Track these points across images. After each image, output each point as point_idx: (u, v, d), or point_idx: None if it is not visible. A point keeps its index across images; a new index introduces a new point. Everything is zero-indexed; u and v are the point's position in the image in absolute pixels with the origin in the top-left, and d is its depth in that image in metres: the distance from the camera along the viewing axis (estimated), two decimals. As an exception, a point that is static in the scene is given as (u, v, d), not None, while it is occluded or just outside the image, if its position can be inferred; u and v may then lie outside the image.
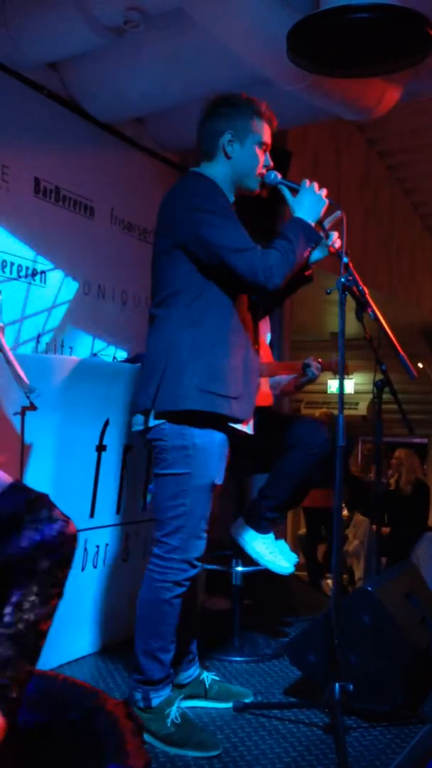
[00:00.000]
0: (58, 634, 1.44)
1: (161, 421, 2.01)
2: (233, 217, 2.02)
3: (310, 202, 2.08)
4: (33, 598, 1.23)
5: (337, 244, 2.17)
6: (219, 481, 2.06)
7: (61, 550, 1.27)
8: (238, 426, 2.09)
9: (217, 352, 2.02)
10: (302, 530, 7.39)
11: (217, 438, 2.04)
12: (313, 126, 5.43)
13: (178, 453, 2.00)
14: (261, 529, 2.63)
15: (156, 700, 2.02)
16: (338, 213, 2.15)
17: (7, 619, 1.20)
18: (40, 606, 1.24)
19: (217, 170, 2.13)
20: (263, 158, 2.15)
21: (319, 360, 3.14)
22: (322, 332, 9.00)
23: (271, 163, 2.17)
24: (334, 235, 2.17)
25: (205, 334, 2.02)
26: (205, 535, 2.05)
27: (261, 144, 2.13)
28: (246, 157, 2.11)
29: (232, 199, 2.16)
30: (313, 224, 2.09)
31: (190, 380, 1.98)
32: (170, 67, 3.24)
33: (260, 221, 2.12)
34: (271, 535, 2.66)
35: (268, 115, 2.14)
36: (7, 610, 1.21)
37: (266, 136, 2.14)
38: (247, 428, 2.14)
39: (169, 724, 1.98)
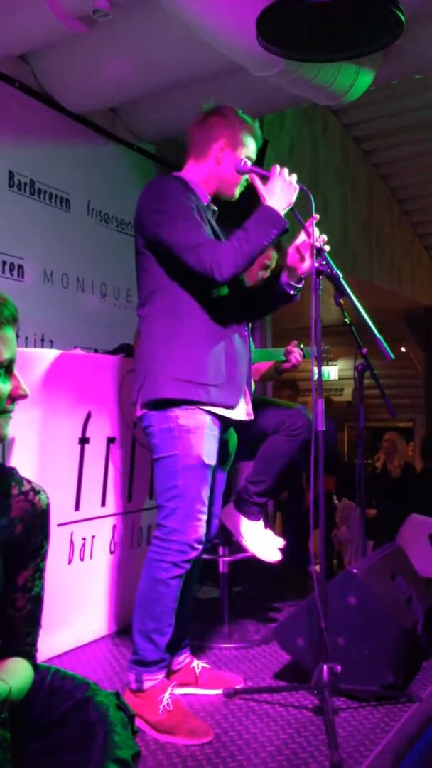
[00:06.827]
0: (46, 626, 1.44)
1: (146, 409, 2.09)
2: (189, 215, 2.07)
3: (280, 189, 2.10)
4: (33, 575, 1.35)
5: (315, 237, 2.18)
6: (209, 460, 2.08)
7: (48, 522, 1.36)
8: (221, 411, 2.10)
9: (192, 342, 2.07)
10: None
11: (205, 419, 2.07)
12: (288, 112, 5.43)
13: (164, 435, 2.07)
14: (251, 515, 2.65)
15: (148, 683, 2.04)
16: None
17: (19, 603, 1.35)
18: (40, 580, 1.37)
19: (202, 172, 2.22)
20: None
21: (301, 346, 3.16)
22: (304, 320, 9.01)
23: (249, 162, 2.22)
24: (316, 233, 2.18)
25: (180, 326, 2.08)
26: (202, 517, 2.06)
27: (249, 159, 2.21)
28: (232, 165, 2.19)
29: (208, 199, 2.23)
30: (283, 211, 2.09)
31: (167, 370, 2.05)
32: (141, 56, 3.23)
33: (237, 217, 2.14)
34: (260, 522, 2.68)
35: (256, 133, 2.24)
36: (18, 595, 1.34)
37: (253, 152, 2.23)
38: (234, 413, 2.15)
39: (160, 711, 1.99)
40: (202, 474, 2.07)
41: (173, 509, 2.04)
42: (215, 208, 2.28)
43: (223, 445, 2.26)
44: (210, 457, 2.08)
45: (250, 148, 2.22)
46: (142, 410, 2.11)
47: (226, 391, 2.11)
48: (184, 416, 2.05)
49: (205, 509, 2.08)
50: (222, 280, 2.02)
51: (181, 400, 2.04)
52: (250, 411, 2.25)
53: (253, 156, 2.23)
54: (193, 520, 2.05)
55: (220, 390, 2.09)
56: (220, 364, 2.10)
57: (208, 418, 2.08)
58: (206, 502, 2.08)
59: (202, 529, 2.07)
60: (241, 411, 2.19)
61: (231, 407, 2.13)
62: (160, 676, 2.07)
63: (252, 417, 2.26)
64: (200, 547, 2.07)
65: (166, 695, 2.02)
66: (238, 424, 2.24)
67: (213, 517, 2.26)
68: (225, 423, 2.16)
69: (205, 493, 2.08)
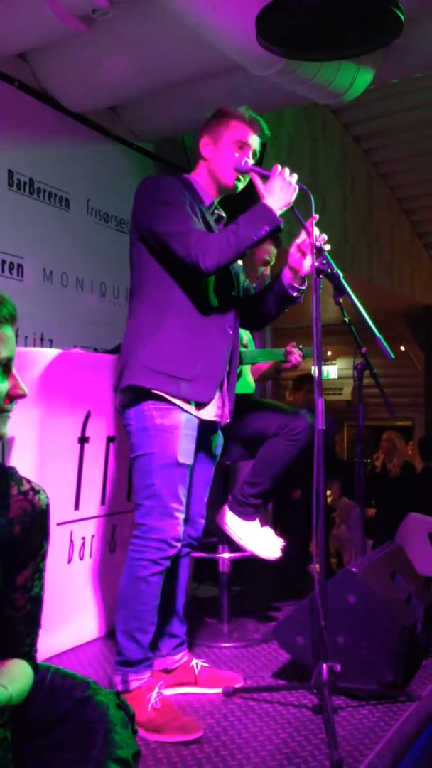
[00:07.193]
0: (46, 625, 1.44)
1: (124, 399, 2.11)
2: (180, 206, 2.09)
3: (279, 188, 2.10)
4: (33, 575, 1.36)
5: (315, 236, 2.18)
6: (184, 459, 2.08)
7: (48, 521, 1.37)
8: (189, 407, 2.09)
9: (171, 335, 2.09)
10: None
11: (180, 418, 2.07)
12: (287, 111, 5.42)
13: (140, 434, 2.08)
14: (246, 516, 2.66)
15: (135, 683, 2.04)
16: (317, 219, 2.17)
17: (19, 603, 1.35)
18: (39, 580, 1.38)
19: (201, 173, 2.25)
20: (241, 155, 2.19)
21: (300, 347, 3.17)
22: (304, 319, 8.99)
23: (251, 161, 2.21)
24: (316, 233, 2.18)
25: (161, 318, 2.10)
26: (178, 515, 2.07)
27: (238, 142, 2.20)
28: (219, 155, 2.20)
29: (210, 200, 2.24)
30: (279, 210, 2.08)
31: (141, 359, 2.07)
32: (141, 55, 3.22)
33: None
34: (256, 522, 2.68)
35: (248, 119, 2.23)
36: (18, 595, 1.35)
37: (246, 137, 2.21)
38: (202, 412, 2.14)
39: (149, 710, 1.98)
40: (178, 473, 2.07)
41: (150, 508, 2.06)
42: (222, 213, 2.29)
43: (208, 445, 2.27)
44: (185, 456, 2.09)
45: (239, 133, 2.20)
46: (122, 407, 2.12)
47: (199, 388, 2.10)
48: (159, 415, 2.06)
49: (182, 507, 2.09)
50: (206, 269, 2.02)
51: (150, 389, 2.05)
52: (226, 414, 2.23)
53: (247, 139, 2.21)
54: (170, 518, 2.06)
55: (192, 386, 2.08)
56: (195, 359, 2.09)
57: (183, 416, 2.08)
58: (183, 500, 2.09)
59: (180, 527, 2.08)
60: (211, 411, 2.18)
61: (200, 405, 2.12)
62: (146, 675, 2.07)
63: (228, 420, 2.24)
64: (178, 544, 2.08)
65: (154, 694, 2.02)
66: (217, 425, 2.24)
67: (198, 516, 2.27)
68: (204, 422, 2.15)
69: (182, 492, 2.09)
